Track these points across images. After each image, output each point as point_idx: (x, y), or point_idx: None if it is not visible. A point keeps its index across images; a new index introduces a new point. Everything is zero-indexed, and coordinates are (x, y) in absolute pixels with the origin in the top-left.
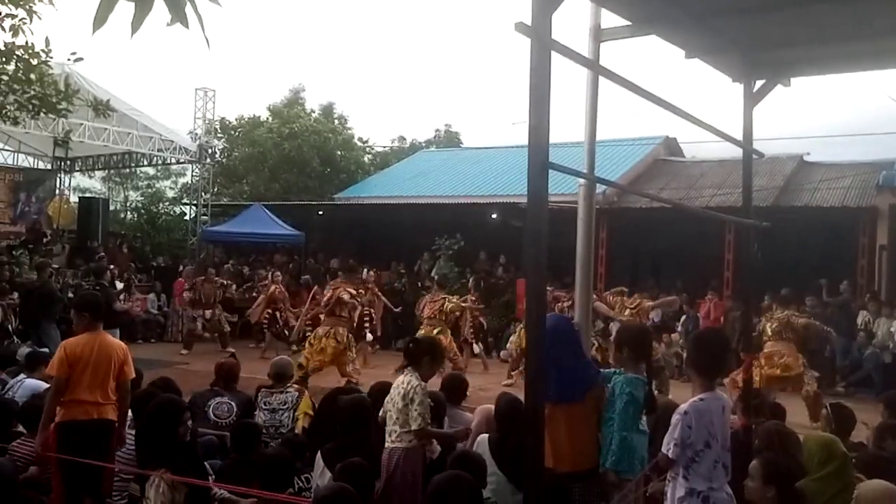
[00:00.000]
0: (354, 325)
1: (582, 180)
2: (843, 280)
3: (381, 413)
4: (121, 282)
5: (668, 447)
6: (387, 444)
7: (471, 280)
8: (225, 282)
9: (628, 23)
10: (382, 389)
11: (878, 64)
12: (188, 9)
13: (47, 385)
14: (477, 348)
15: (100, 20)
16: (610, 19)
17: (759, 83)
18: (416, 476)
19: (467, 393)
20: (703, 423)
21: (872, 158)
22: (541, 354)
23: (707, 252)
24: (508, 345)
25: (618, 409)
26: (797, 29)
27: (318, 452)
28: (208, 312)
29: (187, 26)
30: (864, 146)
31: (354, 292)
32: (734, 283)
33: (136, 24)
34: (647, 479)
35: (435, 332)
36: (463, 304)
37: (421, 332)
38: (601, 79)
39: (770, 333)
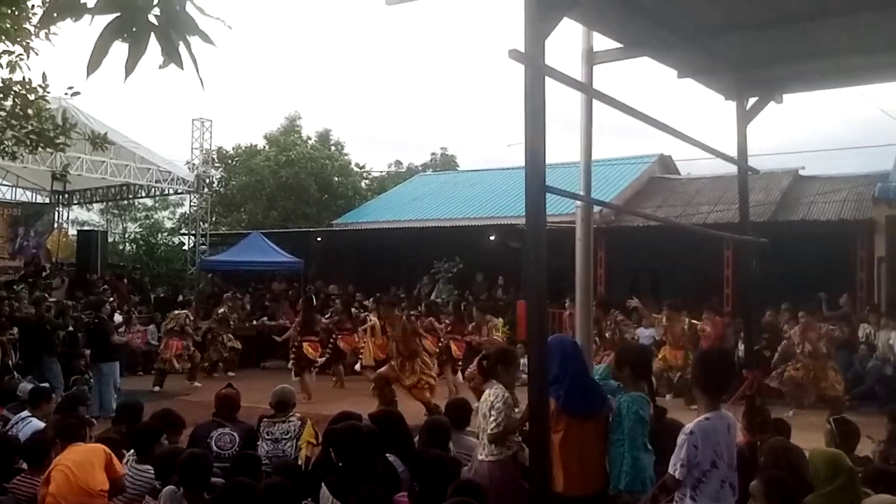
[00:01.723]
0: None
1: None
2: (843, 293)
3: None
4: (121, 314)
5: (674, 468)
6: (480, 458)
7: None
8: (189, 314)
9: (620, 45)
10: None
11: (867, 79)
12: (182, 49)
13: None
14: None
15: (94, 64)
16: (602, 42)
17: (751, 101)
18: (513, 485)
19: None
20: (710, 443)
21: (867, 171)
22: (543, 377)
23: (706, 269)
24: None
25: (626, 429)
26: (787, 46)
27: (322, 484)
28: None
29: (182, 68)
30: (858, 158)
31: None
32: (734, 299)
33: (130, 66)
34: (655, 499)
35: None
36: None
37: (404, 382)
38: (595, 100)
39: (811, 348)
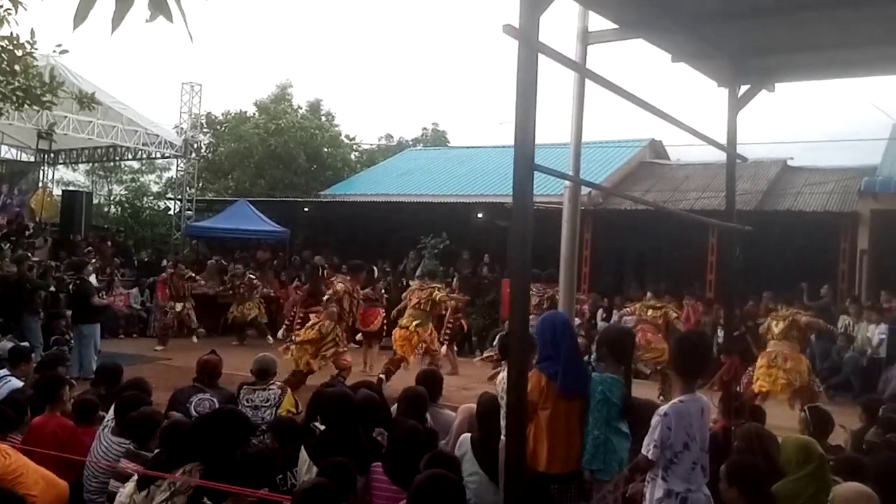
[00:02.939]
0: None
1: (568, 182)
2: (824, 284)
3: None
4: (104, 277)
5: (647, 448)
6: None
7: (454, 279)
8: (193, 275)
9: (616, 26)
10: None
11: (860, 71)
12: (171, 2)
13: None
14: (445, 349)
15: (80, 16)
16: (597, 22)
17: (743, 88)
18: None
19: (442, 390)
20: (683, 425)
21: (855, 164)
22: (525, 355)
23: (691, 254)
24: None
25: (591, 408)
26: (782, 36)
27: (302, 447)
28: (178, 305)
29: (171, 20)
30: (847, 152)
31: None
32: (717, 285)
33: (117, 20)
34: (628, 480)
35: (415, 323)
36: (451, 297)
37: (402, 321)
38: (588, 81)
39: (776, 332)
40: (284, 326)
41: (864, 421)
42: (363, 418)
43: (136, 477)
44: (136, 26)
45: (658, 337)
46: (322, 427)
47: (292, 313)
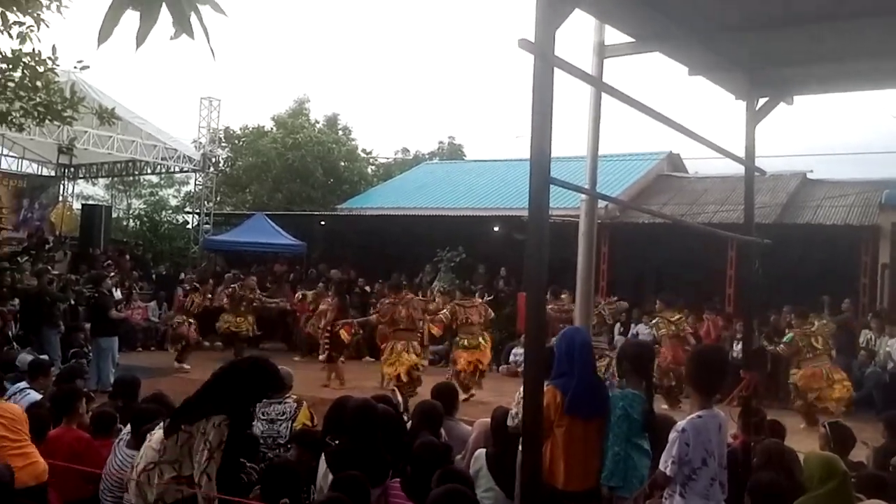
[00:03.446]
0: None
1: (584, 195)
2: (845, 298)
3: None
4: (122, 290)
5: (665, 464)
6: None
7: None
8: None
9: (632, 40)
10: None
11: (880, 84)
12: (194, 20)
13: None
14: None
15: (104, 34)
16: (613, 36)
17: (761, 101)
18: None
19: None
20: (701, 441)
21: (876, 177)
22: (539, 368)
23: (710, 268)
24: (512, 357)
25: (611, 424)
26: (800, 48)
27: (322, 455)
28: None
29: (193, 38)
30: (867, 165)
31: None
32: (736, 299)
33: (141, 37)
34: (647, 496)
35: (481, 340)
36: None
37: (464, 342)
38: (604, 94)
39: (819, 348)
40: (325, 350)
41: (886, 437)
42: (384, 431)
43: (162, 424)
44: (158, 42)
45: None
46: (336, 442)
47: (325, 334)
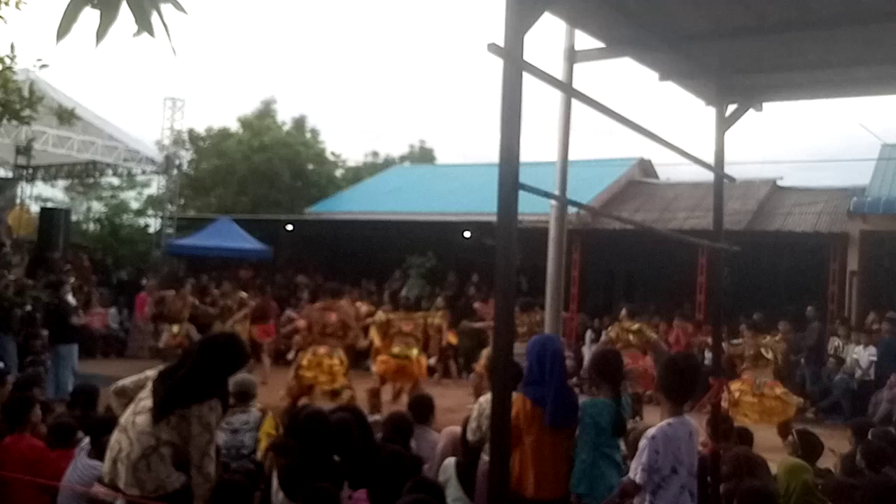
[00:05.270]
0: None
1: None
2: (815, 305)
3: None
4: (81, 295)
5: (635, 472)
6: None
7: (438, 299)
8: (194, 300)
9: (602, 45)
10: None
11: (849, 91)
12: (155, 18)
13: None
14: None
15: (63, 30)
16: (584, 41)
17: (731, 107)
18: None
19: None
20: (671, 449)
21: (844, 184)
22: (508, 377)
23: (681, 275)
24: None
25: (579, 431)
26: (770, 55)
27: (274, 472)
28: (175, 327)
29: (153, 35)
30: (836, 172)
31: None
32: (706, 306)
33: (101, 33)
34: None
35: (413, 350)
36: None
37: (395, 349)
38: (574, 100)
39: (769, 358)
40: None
41: (853, 444)
42: (338, 442)
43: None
44: (119, 41)
45: (648, 360)
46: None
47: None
